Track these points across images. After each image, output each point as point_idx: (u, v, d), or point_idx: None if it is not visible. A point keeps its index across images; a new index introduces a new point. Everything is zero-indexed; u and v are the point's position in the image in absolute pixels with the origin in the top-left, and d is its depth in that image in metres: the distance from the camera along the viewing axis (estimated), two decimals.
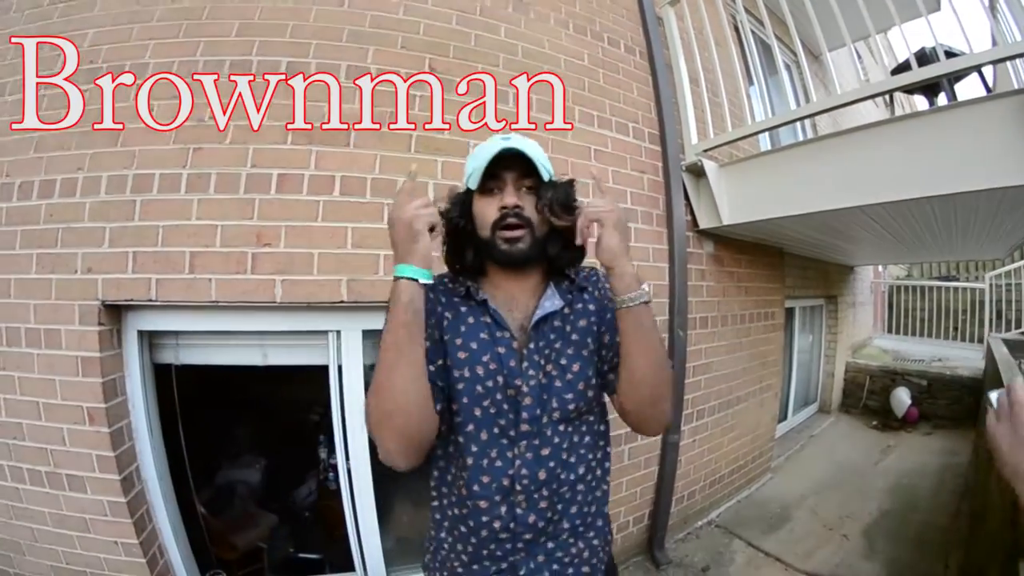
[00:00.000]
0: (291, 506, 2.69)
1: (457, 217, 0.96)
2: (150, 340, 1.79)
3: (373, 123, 1.79)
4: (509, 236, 0.91)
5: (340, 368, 1.82)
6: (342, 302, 1.69)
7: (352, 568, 2.01)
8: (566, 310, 0.99)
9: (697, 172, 2.48)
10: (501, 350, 0.93)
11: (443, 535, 1.01)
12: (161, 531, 1.85)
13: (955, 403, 4.86)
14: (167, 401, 1.90)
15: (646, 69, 2.45)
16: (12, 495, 1.74)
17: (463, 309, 0.96)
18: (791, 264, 3.85)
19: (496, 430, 0.93)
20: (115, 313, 1.70)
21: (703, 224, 2.55)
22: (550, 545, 0.98)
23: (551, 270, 1.01)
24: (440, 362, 0.94)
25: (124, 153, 1.69)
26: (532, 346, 0.94)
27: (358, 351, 1.82)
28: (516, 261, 0.94)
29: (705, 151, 2.42)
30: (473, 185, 0.93)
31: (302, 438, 2.83)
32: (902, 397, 4.94)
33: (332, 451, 2.00)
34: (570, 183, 0.97)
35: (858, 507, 3.15)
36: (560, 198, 0.93)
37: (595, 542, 1.05)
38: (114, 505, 1.69)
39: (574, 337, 0.98)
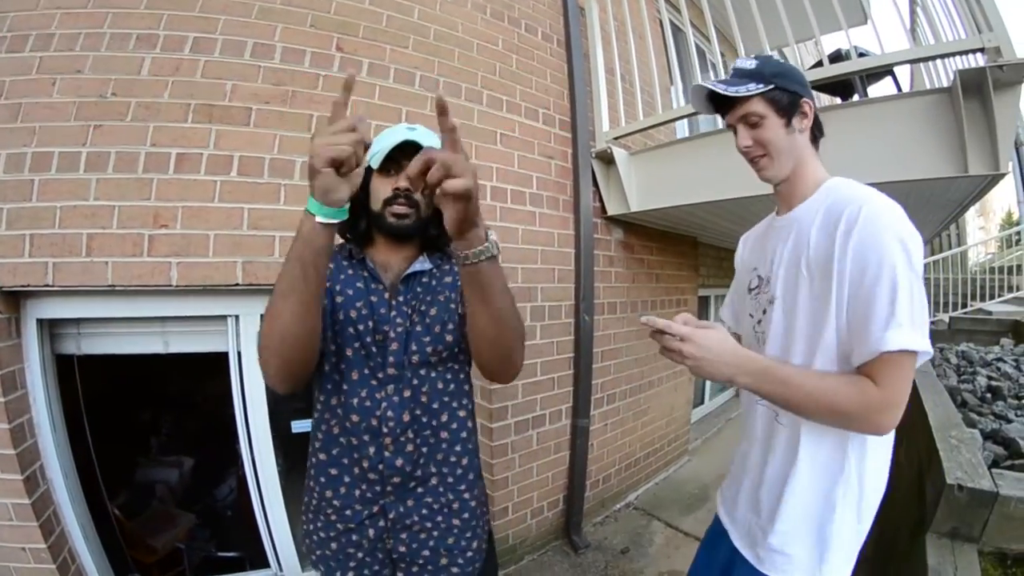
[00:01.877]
0: (211, 504, 2.63)
1: (358, 190, 1.03)
2: (50, 329, 1.72)
3: (275, 102, 1.79)
4: (397, 212, 1.03)
5: (240, 355, 1.81)
6: (237, 285, 1.69)
7: (268, 565, 2.00)
8: (434, 271, 1.11)
9: (607, 159, 2.54)
10: (374, 299, 1.04)
11: (321, 480, 1.06)
12: (71, 534, 1.75)
13: None
14: (71, 395, 1.83)
15: (562, 57, 2.49)
16: None
17: (344, 263, 1.08)
18: (706, 254, 3.97)
19: (366, 371, 1.02)
20: (12, 300, 1.63)
21: (611, 211, 2.62)
22: (419, 490, 1.05)
23: (428, 246, 1.12)
24: (326, 303, 1.01)
25: (25, 129, 1.62)
26: (401, 298, 1.05)
27: (257, 336, 1.79)
28: (400, 234, 1.06)
29: (616, 139, 2.48)
30: (374, 165, 1.03)
31: (222, 433, 2.67)
32: None
33: None
34: None
35: None
36: None
37: (466, 495, 1.11)
38: (18, 508, 1.59)
39: (439, 291, 1.09)
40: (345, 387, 1.02)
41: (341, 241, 1.10)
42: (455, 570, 1.08)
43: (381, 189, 1.04)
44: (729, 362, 0.89)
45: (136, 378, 2.29)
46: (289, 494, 1.94)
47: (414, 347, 1.04)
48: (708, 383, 4.86)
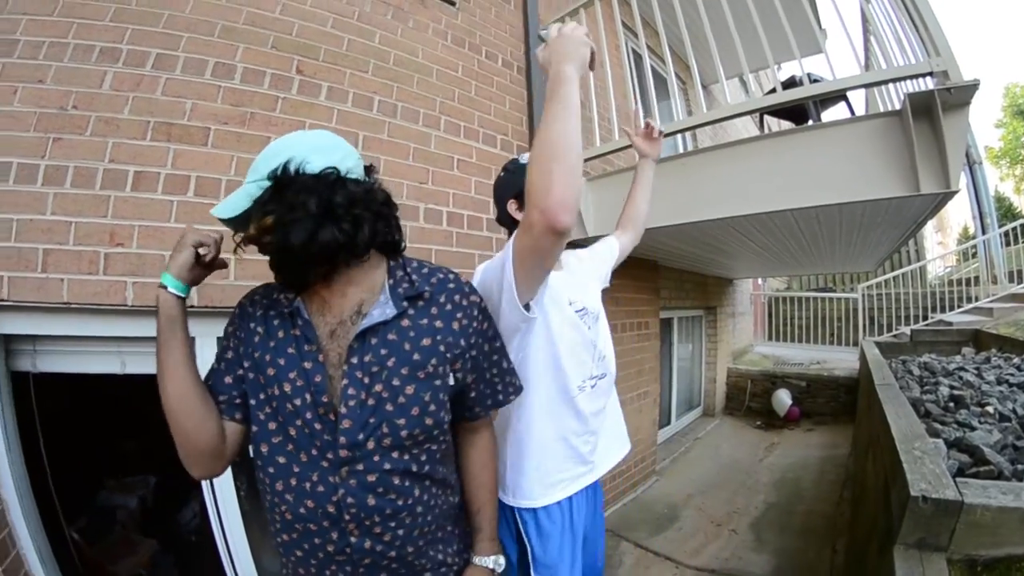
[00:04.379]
0: (174, 530, 2.55)
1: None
2: (5, 345, 1.68)
3: (233, 123, 1.82)
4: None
5: None
6: (192, 307, 1.69)
7: None
8: (403, 321, 0.92)
9: None
10: (307, 365, 0.88)
11: (284, 559, 0.97)
12: (27, 559, 1.69)
13: (833, 400, 5.36)
14: (27, 414, 1.78)
15: (522, 84, 2.57)
16: None
17: (276, 322, 0.93)
18: (667, 276, 4.03)
19: (314, 451, 0.87)
20: None
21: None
22: (395, 566, 0.94)
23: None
24: (239, 372, 0.95)
25: None
26: (355, 361, 0.88)
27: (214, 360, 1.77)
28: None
29: None
30: None
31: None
32: (783, 398, 5.34)
33: None
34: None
35: (745, 502, 3.31)
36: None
37: (449, 551, 1.03)
38: None
39: (414, 356, 0.91)
40: (296, 469, 0.88)
41: (270, 293, 0.99)
42: None
43: None
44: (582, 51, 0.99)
45: (95, 399, 2.22)
46: (250, 517, 1.93)
47: (385, 429, 0.88)
48: (674, 405, 4.92)
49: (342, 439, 0.86)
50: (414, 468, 0.92)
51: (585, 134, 2.60)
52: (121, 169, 1.70)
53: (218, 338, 1.04)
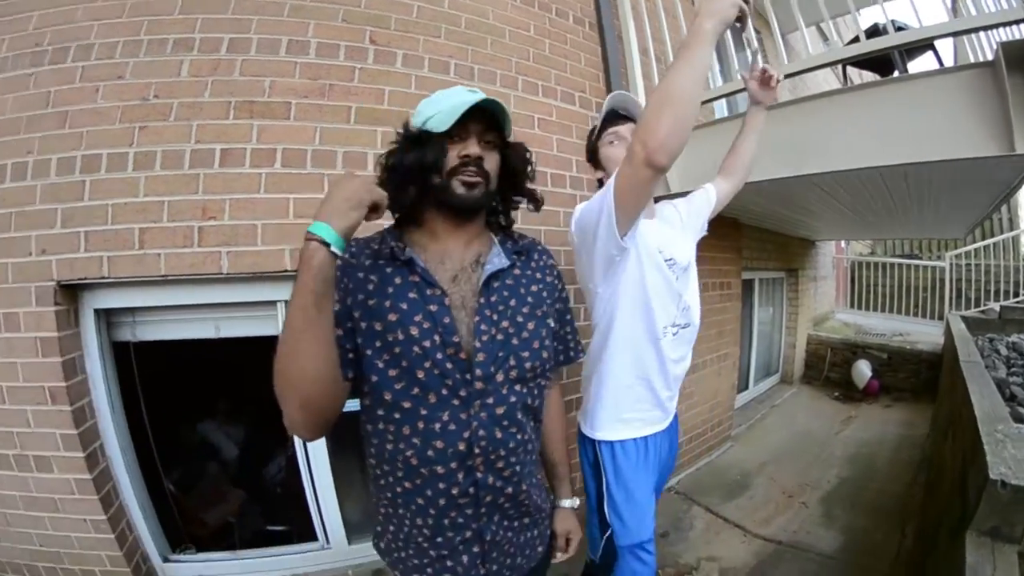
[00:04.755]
0: (261, 481, 2.73)
1: (425, 153, 0.93)
2: (107, 318, 1.82)
3: (313, 96, 1.81)
4: (468, 180, 0.93)
5: None
6: (286, 271, 1.72)
7: (315, 538, 2.08)
8: (515, 270, 1.01)
9: None
10: (433, 308, 0.90)
11: (399, 511, 0.97)
12: (128, 507, 1.89)
13: (914, 376, 5.01)
14: (129, 380, 1.93)
15: (595, 39, 2.47)
16: None
17: (388, 271, 0.93)
18: (749, 236, 3.87)
19: (445, 391, 0.90)
20: (71, 293, 1.73)
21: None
22: (508, 506, 0.99)
23: (489, 223, 1.07)
24: (349, 325, 0.91)
25: (72, 135, 1.70)
26: (483, 300, 0.94)
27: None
28: (470, 206, 0.96)
29: None
30: (438, 127, 0.91)
31: (271, 414, 2.80)
32: (863, 369, 5.04)
33: None
34: (526, 149, 1.07)
35: (817, 475, 3.22)
36: (522, 158, 1.05)
37: (540, 499, 1.09)
38: (80, 482, 1.73)
39: (529, 298, 1.01)
40: (423, 412, 0.90)
41: (372, 239, 0.98)
42: (523, 563, 1.07)
43: (446, 156, 0.94)
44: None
45: (189, 362, 2.36)
46: (337, 471, 2.02)
47: (512, 362, 0.95)
48: (753, 370, 4.75)
49: (478, 372, 0.90)
50: (529, 401, 0.99)
51: None
52: (207, 148, 1.74)
53: None
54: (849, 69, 4.23)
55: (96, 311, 1.78)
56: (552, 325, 1.07)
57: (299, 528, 2.17)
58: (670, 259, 1.35)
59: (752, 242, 4.02)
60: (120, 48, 1.76)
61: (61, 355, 1.68)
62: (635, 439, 1.38)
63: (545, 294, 1.05)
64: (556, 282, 1.11)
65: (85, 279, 1.67)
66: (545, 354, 1.01)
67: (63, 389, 1.68)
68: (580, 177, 2.32)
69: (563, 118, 2.30)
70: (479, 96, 0.91)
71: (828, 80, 5.14)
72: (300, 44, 1.84)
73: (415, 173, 0.94)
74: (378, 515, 1.03)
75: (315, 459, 1.97)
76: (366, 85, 1.89)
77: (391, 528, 1.00)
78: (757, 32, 3.04)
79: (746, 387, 4.64)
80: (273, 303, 1.84)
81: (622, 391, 1.37)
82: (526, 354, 0.96)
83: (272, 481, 2.73)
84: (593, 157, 1.50)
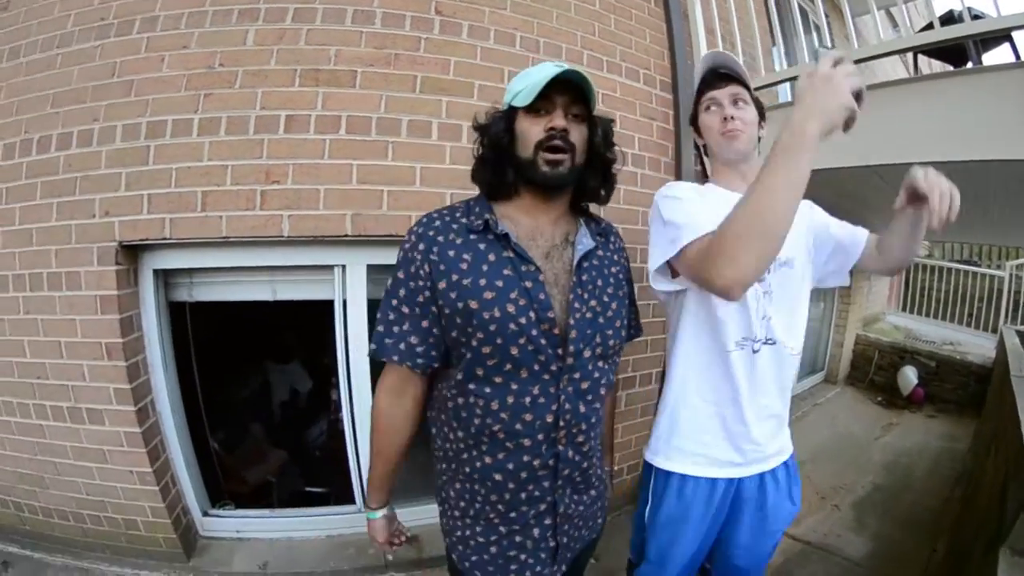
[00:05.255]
0: (302, 444, 2.78)
1: (503, 131, 0.95)
2: (165, 279, 1.86)
3: (379, 64, 1.79)
4: (552, 159, 0.91)
5: (345, 303, 1.86)
6: (347, 236, 1.71)
7: (353, 501, 2.10)
8: (599, 252, 1.02)
9: None
10: (528, 284, 0.90)
11: (475, 486, 0.97)
12: (174, 461, 1.95)
13: (961, 388, 4.80)
14: (182, 339, 1.99)
15: (661, 16, 2.39)
16: (36, 432, 1.84)
17: (481, 246, 0.92)
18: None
19: (537, 367, 0.91)
20: (132, 253, 1.77)
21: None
22: (579, 479, 1.02)
23: (574, 202, 1.04)
24: (434, 309, 0.93)
25: (138, 103, 1.73)
26: (576, 279, 0.95)
27: (362, 285, 1.85)
28: (556, 183, 0.94)
29: None
30: (522, 103, 0.91)
31: (318, 379, 2.91)
32: (909, 376, 4.87)
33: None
34: (611, 121, 1.03)
35: (852, 479, 3.16)
36: (607, 132, 1.00)
37: (604, 476, 1.14)
38: (130, 435, 1.78)
39: (611, 280, 1.02)
40: (514, 386, 0.91)
41: (457, 210, 0.98)
42: (587, 534, 1.11)
43: (531, 131, 0.92)
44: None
45: (243, 323, 2.42)
46: None
47: (598, 339, 0.96)
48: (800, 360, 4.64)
49: (570, 348, 0.92)
50: (610, 376, 1.04)
51: None
52: (272, 115, 1.73)
53: (396, 278, 0.97)
54: (920, 58, 4.05)
55: (155, 271, 1.82)
56: (627, 304, 1.09)
57: (337, 491, 2.19)
58: None
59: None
60: (185, 19, 1.78)
61: (119, 313, 1.72)
62: (695, 477, 1.16)
63: (622, 276, 1.08)
64: (626, 263, 1.13)
65: (147, 240, 1.70)
66: (624, 332, 1.05)
67: (119, 345, 1.73)
68: (642, 155, 2.27)
69: (627, 95, 2.23)
70: (558, 69, 0.88)
71: (896, 69, 4.92)
72: (365, 14, 1.82)
73: (501, 149, 0.95)
74: (447, 493, 1.04)
75: (361, 423, 1.98)
76: (431, 55, 1.85)
77: (461, 504, 1.00)
78: (827, 16, 2.92)
79: None
80: (331, 268, 1.84)
81: (681, 413, 1.18)
82: (610, 332, 0.99)
83: (314, 444, 2.78)
84: (694, 122, 1.28)
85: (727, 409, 1.14)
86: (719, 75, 1.19)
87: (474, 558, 1.00)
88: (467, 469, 0.97)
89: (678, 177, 2.37)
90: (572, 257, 0.97)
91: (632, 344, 2.21)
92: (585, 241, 0.98)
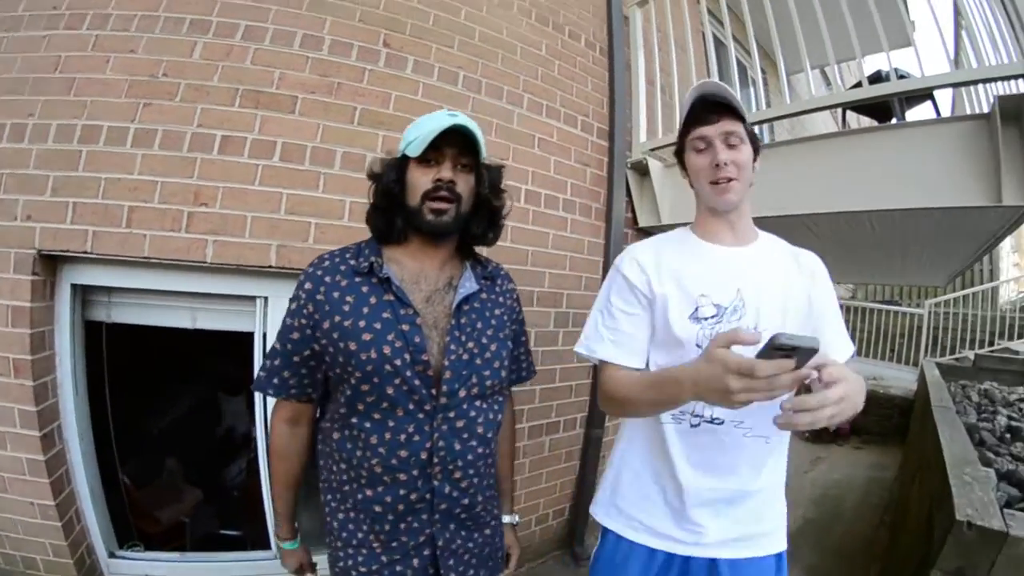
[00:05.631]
0: (219, 483, 2.65)
1: (392, 182, 1.01)
2: (83, 295, 1.78)
3: (320, 92, 1.81)
4: (436, 207, 0.97)
5: (265, 336, 1.81)
6: (270, 267, 1.71)
7: (268, 547, 1.97)
8: (483, 294, 1.08)
9: (642, 170, 2.52)
10: (405, 327, 0.96)
11: (359, 516, 1.02)
12: (79, 495, 1.81)
13: (886, 420, 5.07)
14: (97, 362, 1.89)
15: (604, 65, 2.50)
16: None
17: (364, 289, 0.98)
18: None
19: (412, 405, 0.96)
20: (50, 264, 1.69)
21: (643, 222, 2.60)
22: (463, 516, 1.05)
23: (462, 246, 1.10)
24: (310, 351, 1.01)
25: (76, 103, 1.68)
26: (454, 322, 1.00)
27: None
28: (439, 231, 1.00)
29: (652, 150, 2.47)
30: (413, 153, 0.96)
31: (238, 414, 2.80)
32: None
33: None
34: (501, 167, 1.11)
35: None
36: (494, 180, 1.08)
37: (496, 511, 1.18)
38: (32, 463, 1.66)
39: (492, 321, 1.08)
40: (391, 423, 0.97)
41: (348, 252, 1.04)
42: (486, 574, 1.14)
43: (420, 180, 0.97)
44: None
45: (160, 351, 2.31)
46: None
47: (474, 380, 1.02)
48: None
49: (444, 388, 0.98)
50: (489, 416, 1.07)
51: (665, 120, 2.52)
52: (209, 134, 1.73)
53: (285, 314, 1.06)
54: (848, 114, 4.31)
55: (73, 286, 1.73)
56: (509, 346, 1.14)
57: (254, 535, 2.09)
58: (713, 315, 1.01)
59: None
60: (137, 22, 1.74)
61: (31, 327, 1.62)
62: (630, 541, 1.09)
63: (506, 318, 1.13)
64: (515, 306, 1.20)
65: (67, 251, 1.64)
66: (503, 373, 1.10)
67: (28, 363, 1.62)
68: (573, 200, 2.35)
69: (563, 140, 2.32)
70: (453, 120, 0.94)
71: (827, 123, 5.23)
72: (315, 39, 1.85)
73: (392, 197, 1.01)
74: (331, 522, 1.07)
75: None
76: (374, 87, 1.89)
77: (344, 535, 1.04)
78: (763, 72, 3.08)
79: None
80: (252, 299, 1.80)
81: (623, 475, 1.13)
82: (487, 372, 1.04)
83: (232, 483, 2.65)
84: (680, 155, 1.12)
85: (666, 482, 1.05)
86: (711, 105, 1.00)
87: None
88: (350, 500, 1.02)
89: (608, 223, 2.47)
90: (453, 300, 1.02)
91: (555, 389, 2.38)
92: (468, 284, 1.04)
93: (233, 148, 1.72)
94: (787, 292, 1.02)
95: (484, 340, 1.04)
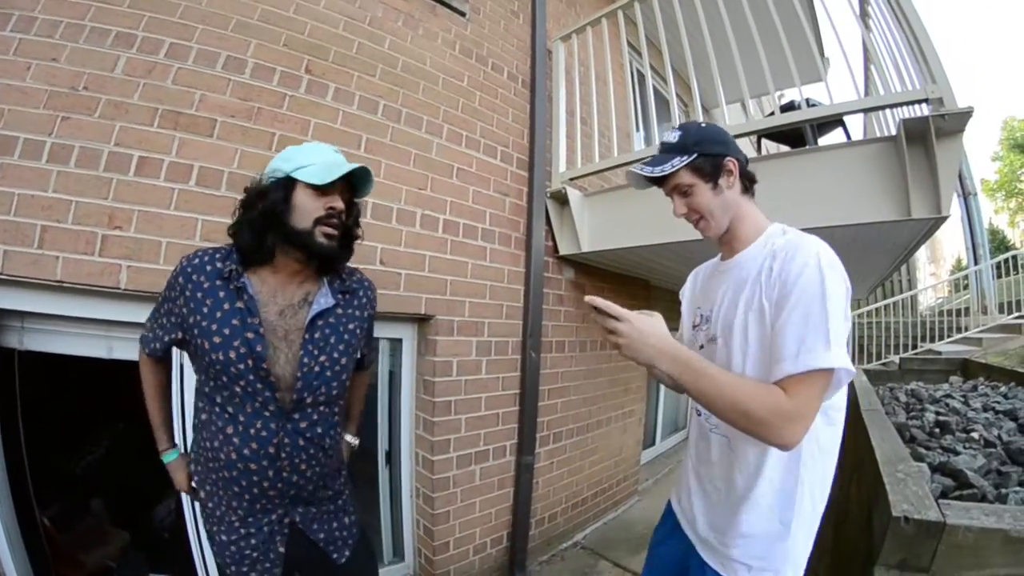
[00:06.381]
0: (148, 524, 2.53)
1: (281, 201, 1.11)
2: None
3: (240, 116, 1.84)
4: (329, 232, 1.12)
5: (182, 368, 1.78)
6: (126, 289, 1.66)
7: None
8: (338, 309, 1.21)
9: (562, 200, 2.62)
10: (250, 335, 1.08)
11: (220, 493, 1.16)
12: None
13: None
14: (9, 393, 1.80)
15: (526, 97, 2.61)
16: None
17: (222, 294, 1.10)
18: (659, 298, 4.04)
19: (257, 404, 1.11)
20: None
21: (563, 250, 2.70)
22: (306, 495, 1.21)
23: (321, 266, 1.21)
24: (173, 337, 1.17)
25: None
26: (308, 336, 1.14)
27: None
28: (329, 253, 1.15)
29: (571, 179, 2.59)
30: (310, 179, 1.09)
31: None
32: None
33: None
34: (359, 207, 1.29)
35: None
36: (358, 214, 1.27)
37: (338, 482, 1.32)
38: None
39: (345, 336, 1.22)
40: (242, 418, 1.11)
41: (219, 252, 1.15)
42: (336, 556, 1.27)
43: (311, 205, 1.10)
44: (654, 344, 0.93)
45: (80, 383, 2.19)
46: None
47: (323, 390, 1.17)
48: (660, 424, 4.92)
49: (293, 396, 1.12)
50: (330, 418, 1.22)
51: (585, 151, 2.67)
52: (126, 153, 1.71)
53: (162, 295, 1.20)
54: (764, 141, 4.56)
55: None
56: (358, 356, 1.33)
57: None
58: (702, 322, 1.20)
59: (662, 303, 4.11)
60: (62, 29, 1.69)
61: None
62: (671, 500, 1.35)
63: (359, 331, 1.28)
64: (372, 312, 1.34)
65: None
66: (347, 383, 1.26)
67: None
68: (493, 230, 2.43)
69: (482, 170, 2.40)
70: (353, 165, 1.12)
71: (745, 151, 5.45)
72: (238, 62, 1.87)
73: (274, 216, 1.10)
74: (199, 491, 1.23)
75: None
76: (293, 114, 1.94)
77: (210, 505, 1.20)
78: (683, 102, 3.27)
79: (653, 443, 4.80)
80: None
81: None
82: (335, 384, 1.20)
83: (161, 524, 2.53)
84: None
85: (690, 460, 1.26)
86: (650, 182, 1.16)
87: (225, 553, 1.17)
88: (214, 477, 1.16)
89: (528, 252, 2.52)
90: (307, 315, 1.15)
91: (481, 418, 2.44)
92: (323, 300, 1.17)
93: (150, 170, 1.71)
94: (750, 300, 1.05)
95: (336, 355, 1.18)
